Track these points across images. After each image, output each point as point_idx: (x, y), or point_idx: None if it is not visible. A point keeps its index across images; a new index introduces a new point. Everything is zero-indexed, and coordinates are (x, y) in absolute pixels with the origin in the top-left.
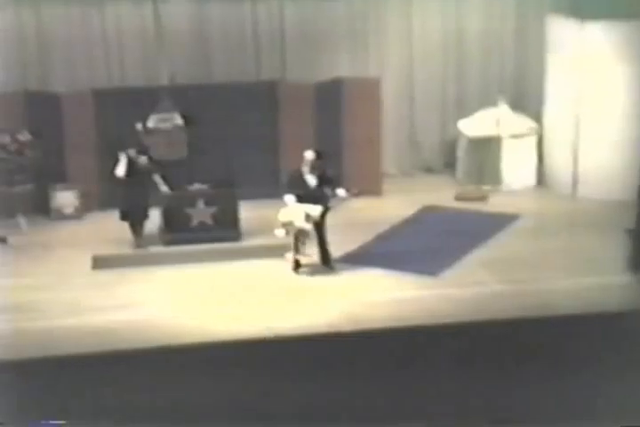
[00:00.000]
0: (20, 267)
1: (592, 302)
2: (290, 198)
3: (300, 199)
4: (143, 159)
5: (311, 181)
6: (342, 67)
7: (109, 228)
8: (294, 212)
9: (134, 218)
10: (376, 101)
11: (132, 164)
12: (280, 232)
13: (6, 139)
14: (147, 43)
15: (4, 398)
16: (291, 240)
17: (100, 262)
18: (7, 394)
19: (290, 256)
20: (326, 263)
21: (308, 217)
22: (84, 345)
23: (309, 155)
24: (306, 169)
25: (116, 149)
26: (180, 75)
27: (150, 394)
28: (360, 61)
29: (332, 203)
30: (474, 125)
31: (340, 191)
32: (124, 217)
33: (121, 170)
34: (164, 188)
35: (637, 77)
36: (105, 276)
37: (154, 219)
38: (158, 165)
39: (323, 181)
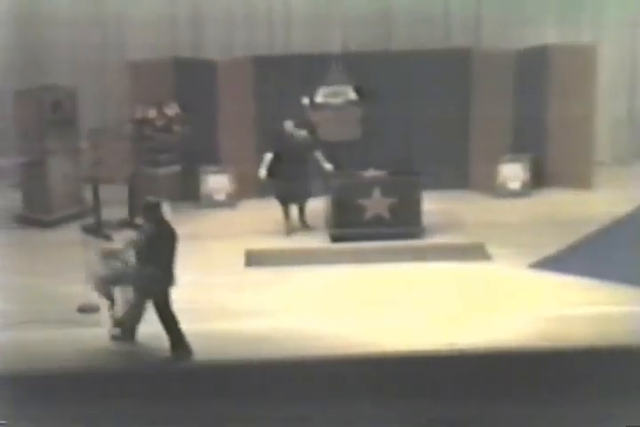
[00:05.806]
0: None
1: None
2: None
3: None
4: (302, 133)
5: None
6: (549, 32)
7: (268, 218)
8: None
9: (290, 196)
10: (590, 74)
11: (288, 138)
12: None
13: (152, 113)
14: (316, 2)
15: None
16: None
17: (254, 258)
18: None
19: None
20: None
21: None
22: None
23: None
24: None
25: (276, 125)
26: (355, 41)
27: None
28: (571, 24)
29: None
30: None
31: None
32: (278, 196)
33: (263, 171)
34: (327, 165)
35: None
36: (259, 274)
37: (320, 211)
38: (319, 140)
39: None
